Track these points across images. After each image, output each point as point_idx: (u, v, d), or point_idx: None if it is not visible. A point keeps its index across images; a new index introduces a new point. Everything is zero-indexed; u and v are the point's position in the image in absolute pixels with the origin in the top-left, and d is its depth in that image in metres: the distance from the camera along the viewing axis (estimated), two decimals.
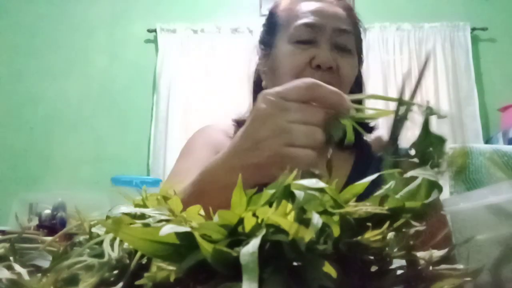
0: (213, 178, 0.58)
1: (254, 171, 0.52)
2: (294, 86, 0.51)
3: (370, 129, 0.95)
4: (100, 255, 0.30)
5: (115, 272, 0.29)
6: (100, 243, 0.31)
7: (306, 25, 0.84)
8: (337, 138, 0.49)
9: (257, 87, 0.95)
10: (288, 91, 0.51)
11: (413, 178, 0.35)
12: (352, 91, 0.87)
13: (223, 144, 0.88)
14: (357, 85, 0.91)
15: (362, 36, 0.94)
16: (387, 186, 0.35)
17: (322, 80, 0.81)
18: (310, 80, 0.51)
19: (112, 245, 0.30)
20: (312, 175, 0.40)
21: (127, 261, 0.29)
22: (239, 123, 0.94)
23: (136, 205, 0.38)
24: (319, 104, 0.50)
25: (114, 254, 0.29)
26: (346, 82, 0.84)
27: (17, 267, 0.30)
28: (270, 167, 0.50)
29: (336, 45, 0.84)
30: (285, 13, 0.90)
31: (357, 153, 0.92)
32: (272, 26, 0.92)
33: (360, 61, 0.93)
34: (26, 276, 0.29)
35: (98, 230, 0.35)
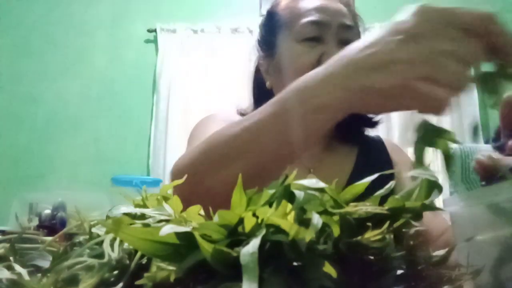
0: (307, 95, 0.46)
1: (367, 96, 0.42)
2: (468, 11, 0.40)
3: (373, 124, 0.95)
4: (100, 255, 0.30)
5: (115, 272, 0.29)
6: (100, 243, 0.31)
7: (312, 22, 0.84)
8: (486, 92, 0.40)
9: (259, 88, 0.94)
10: (459, 12, 0.40)
11: None
12: None
13: None
14: None
15: (362, 31, 0.93)
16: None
17: None
18: (489, 12, 0.40)
19: (112, 245, 0.30)
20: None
21: (127, 261, 0.29)
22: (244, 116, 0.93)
23: (136, 205, 0.38)
24: (487, 42, 0.40)
25: (114, 255, 0.29)
26: None
27: (17, 267, 0.30)
28: (390, 98, 0.41)
29: (342, 41, 0.83)
30: (287, 12, 0.89)
31: (359, 147, 0.92)
32: (273, 25, 0.91)
33: None
34: (26, 276, 0.29)
35: (98, 230, 0.35)
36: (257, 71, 0.96)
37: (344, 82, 0.43)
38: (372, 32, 0.44)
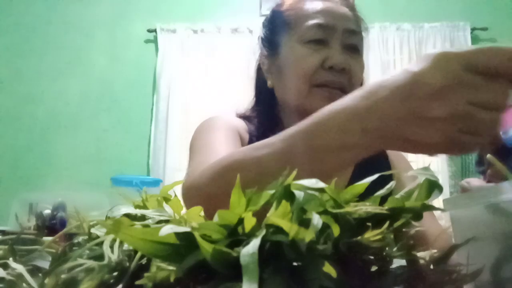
0: (329, 135, 0.46)
1: (406, 144, 0.43)
2: (492, 52, 0.39)
3: None
4: (100, 256, 0.30)
5: (115, 274, 0.29)
6: (100, 244, 0.31)
7: (318, 25, 0.83)
8: None
9: (260, 87, 0.94)
10: (481, 59, 0.39)
11: None
12: None
13: (241, 130, 0.86)
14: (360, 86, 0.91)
15: (365, 35, 0.93)
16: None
17: (335, 82, 0.81)
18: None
19: (112, 247, 0.30)
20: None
21: (127, 264, 0.29)
22: (246, 118, 0.92)
23: (136, 207, 0.38)
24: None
25: (114, 257, 0.29)
26: (356, 83, 0.84)
27: (19, 267, 0.30)
28: (431, 147, 0.42)
29: (347, 46, 0.83)
30: (293, 13, 0.88)
31: None
32: (278, 25, 0.90)
33: None
34: (27, 276, 0.29)
35: (97, 230, 0.35)
36: (259, 69, 0.95)
37: (381, 131, 0.43)
38: (396, 80, 0.42)
